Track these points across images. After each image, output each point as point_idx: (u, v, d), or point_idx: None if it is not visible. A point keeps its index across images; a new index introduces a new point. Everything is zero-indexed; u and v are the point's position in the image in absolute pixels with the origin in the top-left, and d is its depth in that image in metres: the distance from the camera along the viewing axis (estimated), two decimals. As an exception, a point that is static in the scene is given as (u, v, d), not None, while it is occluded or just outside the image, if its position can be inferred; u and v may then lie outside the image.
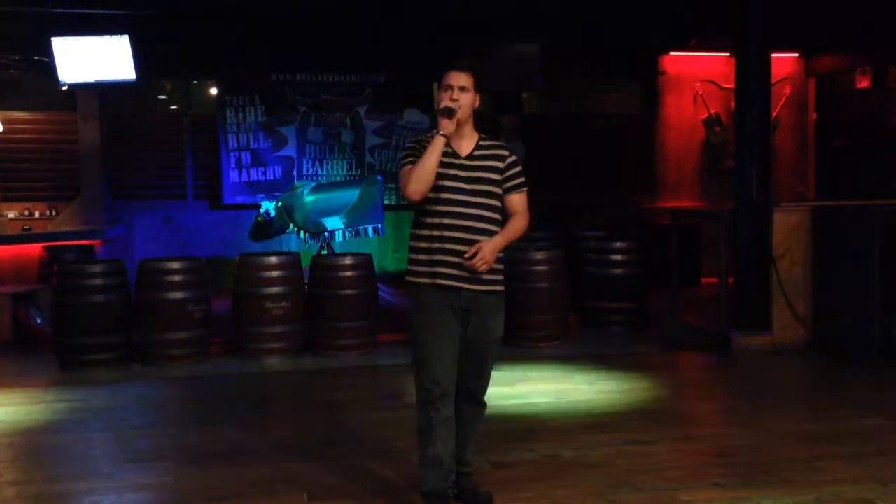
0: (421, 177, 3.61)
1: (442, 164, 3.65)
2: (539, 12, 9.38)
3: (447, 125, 3.62)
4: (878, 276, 6.75)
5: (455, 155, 3.72)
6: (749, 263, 7.65)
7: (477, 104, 3.75)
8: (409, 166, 3.67)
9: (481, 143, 3.79)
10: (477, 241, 3.65)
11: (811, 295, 7.47)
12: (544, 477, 4.41)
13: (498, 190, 3.75)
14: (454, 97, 3.64)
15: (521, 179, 3.81)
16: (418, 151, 3.68)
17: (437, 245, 3.68)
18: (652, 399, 6.07)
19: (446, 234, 3.67)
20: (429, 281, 3.71)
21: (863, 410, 5.68)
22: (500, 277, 3.80)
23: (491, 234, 3.70)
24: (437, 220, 3.68)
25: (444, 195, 3.67)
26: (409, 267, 3.80)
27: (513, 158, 3.81)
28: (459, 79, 3.66)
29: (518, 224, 3.78)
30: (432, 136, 3.65)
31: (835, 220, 7.32)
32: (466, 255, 3.63)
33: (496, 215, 3.75)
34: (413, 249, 3.79)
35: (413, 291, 3.79)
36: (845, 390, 6.28)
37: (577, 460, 4.68)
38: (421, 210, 3.74)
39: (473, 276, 3.66)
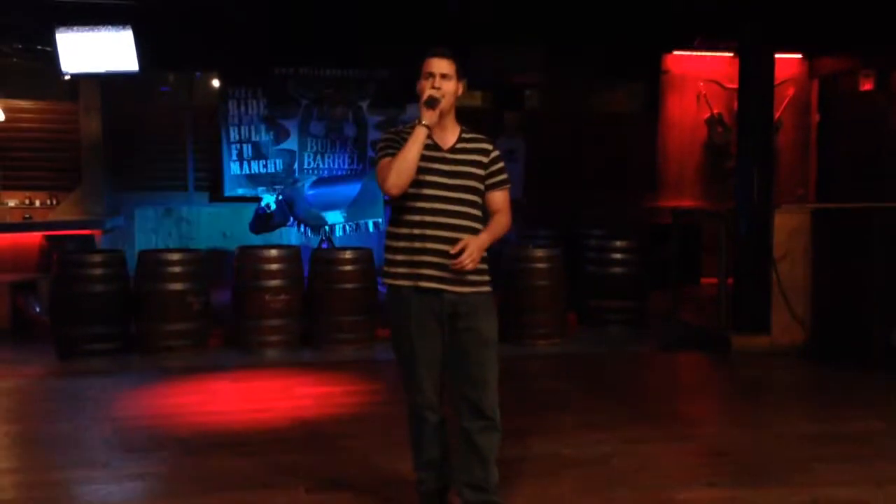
0: (401, 170, 3.35)
1: (423, 158, 3.39)
2: (543, 10, 9.36)
3: (430, 115, 3.37)
4: (877, 278, 6.74)
5: (436, 147, 3.47)
6: (749, 264, 7.64)
7: (460, 92, 3.49)
8: (388, 159, 3.41)
9: (464, 135, 3.55)
10: (459, 240, 3.38)
11: (811, 297, 7.47)
12: (541, 475, 4.41)
13: (480, 186, 3.50)
14: (436, 85, 3.40)
15: (505, 176, 3.56)
16: (397, 143, 3.43)
17: (417, 244, 3.44)
18: (649, 398, 6.07)
19: (428, 232, 3.42)
20: (410, 283, 3.46)
21: (861, 412, 5.68)
22: (487, 277, 3.53)
23: (474, 231, 3.44)
24: (417, 218, 3.44)
25: (425, 191, 3.43)
26: (387, 268, 3.53)
27: (496, 153, 3.57)
28: (441, 65, 3.42)
29: (502, 222, 3.52)
30: (412, 127, 3.40)
31: (835, 222, 7.32)
32: (452, 251, 3.35)
33: (478, 212, 3.50)
34: (391, 249, 3.54)
35: (392, 295, 3.54)
36: (844, 392, 6.28)
37: (575, 458, 4.68)
38: (399, 206, 3.48)
39: (458, 276, 3.41)
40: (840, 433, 5.21)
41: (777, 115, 10.38)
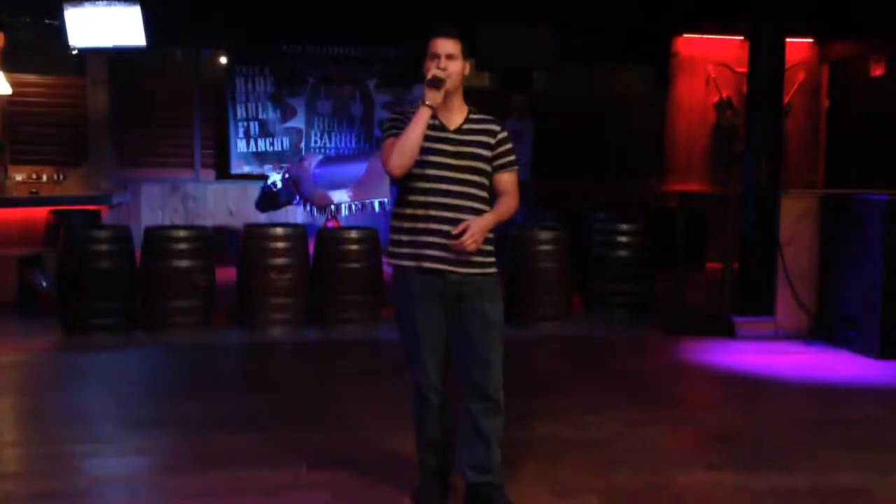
0: (404, 150, 3.34)
1: (427, 138, 3.38)
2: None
3: (435, 96, 3.35)
4: (883, 265, 6.72)
5: (442, 128, 3.45)
6: (755, 249, 7.62)
7: (466, 72, 3.46)
8: (392, 138, 3.40)
9: (471, 116, 3.52)
10: (464, 220, 3.38)
11: (816, 283, 7.46)
12: (542, 456, 4.43)
13: (487, 167, 3.48)
14: (441, 65, 3.36)
15: (513, 157, 3.53)
16: (402, 123, 3.41)
17: (421, 225, 3.43)
18: (652, 381, 6.08)
19: (431, 212, 3.41)
20: (413, 264, 3.46)
21: (864, 399, 5.68)
22: (492, 259, 3.51)
23: (479, 212, 3.43)
24: (421, 199, 3.43)
25: (430, 171, 3.41)
26: (392, 248, 3.54)
27: (504, 134, 3.52)
28: (446, 46, 3.38)
29: (509, 204, 3.50)
30: (418, 107, 3.39)
31: (842, 208, 7.29)
32: (454, 233, 3.35)
33: (484, 194, 3.48)
34: (396, 230, 3.53)
35: (397, 276, 3.55)
36: (847, 379, 6.28)
37: (575, 440, 4.70)
38: (404, 187, 3.47)
39: (462, 257, 3.39)
40: (842, 419, 5.22)
41: (786, 99, 10.30)
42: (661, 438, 4.78)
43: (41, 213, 9.30)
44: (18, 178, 10.73)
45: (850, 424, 5.12)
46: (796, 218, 7.46)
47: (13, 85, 10.40)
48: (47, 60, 10.92)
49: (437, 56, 3.39)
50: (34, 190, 10.41)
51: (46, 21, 9.76)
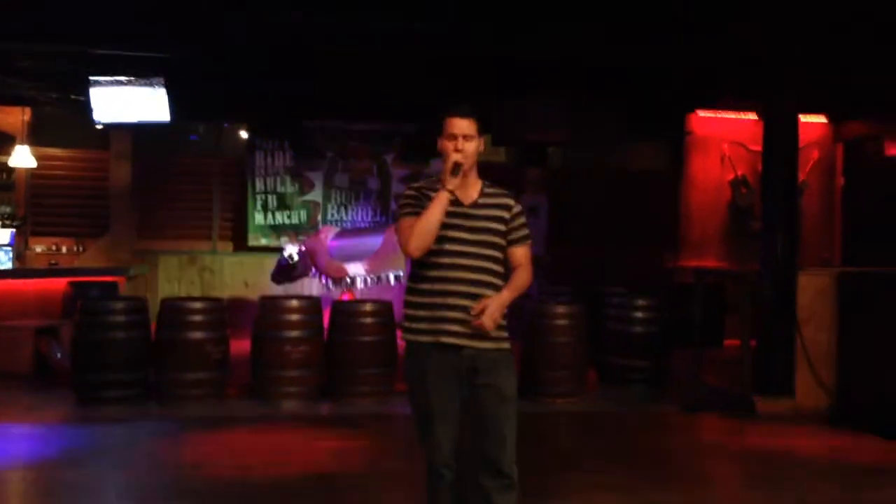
0: (423, 234, 3.39)
1: (445, 214, 3.42)
2: (567, 66, 9.46)
3: (454, 182, 3.41)
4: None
5: (458, 203, 3.49)
6: (773, 327, 7.55)
7: (481, 149, 3.52)
8: (409, 219, 3.45)
9: (486, 190, 3.57)
10: (481, 296, 3.42)
11: (836, 361, 7.36)
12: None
13: (502, 241, 3.51)
14: (459, 147, 3.43)
15: (527, 231, 3.57)
16: (419, 201, 3.47)
17: (439, 300, 3.45)
18: (669, 460, 5.97)
19: (449, 287, 3.43)
20: (431, 339, 3.46)
21: (884, 484, 5.54)
22: (506, 334, 3.51)
23: (495, 287, 3.47)
24: (439, 274, 3.45)
25: (447, 247, 3.44)
26: (408, 324, 3.55)
27: (518, 209, 3.57)
28: (462, 126, 3.44)
29: (524, 277, 3.53)
30: (433, 183, 3.46)
31: (861, 286, 7.24)
32: (473, 312, 3.38)
33: (500, 268, 3.52)
34: (412, 304, 3.55)
35: (411, 351, 3.55)
36: (867, 462, 6.14)
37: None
38: (421, 262, 3.49)
39: (478, 332, 3.41)
40: (865, 500, 5.08)
41: (801, 177, 10.34)
42: (679, 520, 4.68)
43: (60, 284, 9.38)
44: (38, 249, 10.86)
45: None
46: (814, 295, 7.42)
47: (38, 158, 10.61)
48: (72, 135, 11.16)
49: (454, 137, 3.45)
50: (54, 262, 10.53)
51: (72, 97, 9.99)
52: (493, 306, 3.39)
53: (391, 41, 8.10)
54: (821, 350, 7.38)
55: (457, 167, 3.42)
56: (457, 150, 3.43)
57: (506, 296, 3.46)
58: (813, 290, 7.42)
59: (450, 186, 3.41)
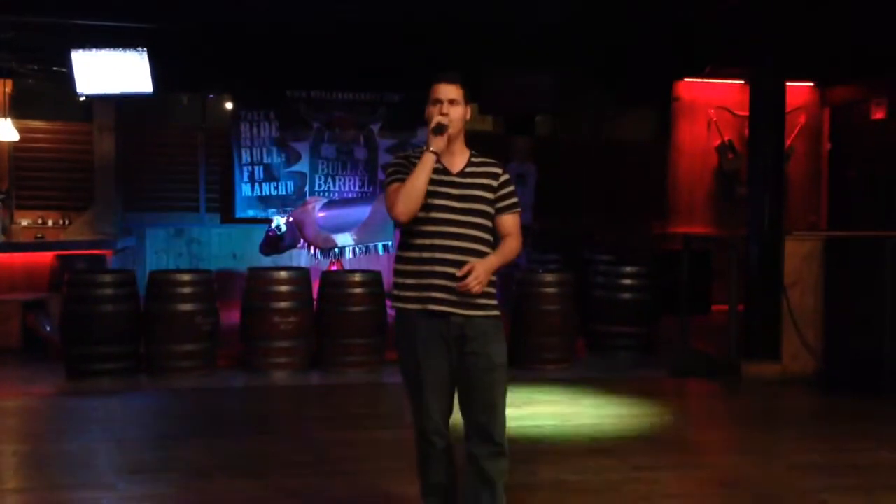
0: (410, 197, 3.39)
1: (432, 182, 3.42)
2: (555, 35, 9.41)
3: (438, 142, 3.40)
4: (889, 307, 6.70)
5: (445, 172, 3.49)
6: (760, 291, 7.61)
7: (468, 116, 3.51)
8: (397, 185, 3.44)
9: (473, 159, 3.56)
10: (469, 263, 3.39)
11: (822, 324, 7.43)
12: (547, 501, 4.38)
13: (490, 209, 3.51)
14: (444, 111, 3.42)
15: (515, 199, 3.56)
16: (406, 168, 3.46)
17: (427, 268, 3.45)
18: (659, 425, 6.03)
19: (437, 255, 3.43)
20: (419, 307, 3.46)
21: (872, 443, 5.62)
22: (495, 302, 3.51)
23: (483, 255, 3.45)
24: (426, 242, 3.45)
25: (434, 214, 3.44)
26: (396, 292, 3.54)
27: (506, 177, 3.57)
28: (449, 91, 3.44)
29: (512, 246, 3.52)
30: (421, 153, 3.44)
31: (847, 250, 7.29)
32: (459, 274, 3.36)
33: (488, 236, 3.51)
34: (400, 273, 3.54)
35: (400, 319, 3.54)
36: (855, 422, 6.22)
37: (581, 485, 4.65)
38: (408, 230, 3.50)
39: (466, 299, 3.41)
40: (851, 464, 5.15)
41: (788, 142, 10.35)
42: (668, 484, 4.74)
43: (46, 258, 9.33)
44: (24, 223, 10.78)
45: (858, 469, 5.06)
46: (801, 260, 7.46)
47: (20, 131, 10.49)
48: (54, 107, 11.04)
49: (439, 101, 3.44)
50: (40, 235, 10.46)
51: (54, 68, 9.87)
52: (480, 269, 3.37)
53: (375, 10, 8.04)
54: (807, 314, 7.44)
55: (440, 127, 3.40)
56: (442, 114, 3.43)
57: (493, 260, 3.45)
58: (799, 254, 7.47)
59: (433, 147, 3.40)
